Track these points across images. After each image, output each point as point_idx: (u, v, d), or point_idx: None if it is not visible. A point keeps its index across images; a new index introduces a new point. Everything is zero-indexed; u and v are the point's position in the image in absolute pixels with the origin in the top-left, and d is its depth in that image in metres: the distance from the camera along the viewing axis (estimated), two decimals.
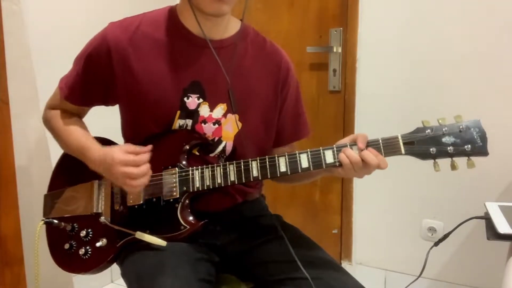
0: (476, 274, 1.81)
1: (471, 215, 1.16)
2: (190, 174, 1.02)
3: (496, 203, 1.17)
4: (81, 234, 1.08)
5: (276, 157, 0.97)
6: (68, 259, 1.09)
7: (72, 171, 1.10)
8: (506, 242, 1.04)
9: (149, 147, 1.00)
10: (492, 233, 1.03)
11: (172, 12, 1.08)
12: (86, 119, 1.20)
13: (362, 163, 0.92)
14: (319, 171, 0.99)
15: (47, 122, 1.18)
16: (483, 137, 0.90)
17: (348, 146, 0.94)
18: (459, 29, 1.74)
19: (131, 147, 1.00)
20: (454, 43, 1.76)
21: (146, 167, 0.98)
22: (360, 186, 2.04)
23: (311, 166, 0.95)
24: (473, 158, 0.90)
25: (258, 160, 0.99)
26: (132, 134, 1.11)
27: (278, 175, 0.97)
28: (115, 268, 1.09)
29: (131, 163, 0.97)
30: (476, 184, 1.76)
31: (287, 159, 0.97)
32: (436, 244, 1.22)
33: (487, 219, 1.09)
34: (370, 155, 0.91)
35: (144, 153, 0.99)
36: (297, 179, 1.16)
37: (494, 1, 1.67)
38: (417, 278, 1.27)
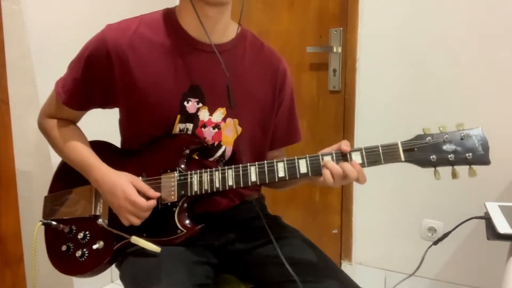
0: (476, 274, 1.81)
1: (471, 215, 1.16)
2: (189, 178, 1.02)
3: (496, 203, 1.17)
4: (79, 236, 1.08)
5: (275, 162, 0.97)
6: (65, 261, 1.09)
7: (73, 173, 1.10)
8: (506, 242, 1.04)
9: (157, 194, 1.01)
10: (492, 233, 1.02)
11: (170, 14, 1.07)
12: (81, 120, 1.19)
13: (343, 174, 0.91)
14: (301, 179, 0.99)
15: (44, 131, 1.16)
16: (485, 145, 0.88)
17: (334, 154, 0.93)
18: (459, 30, 1.74)
19: (142, 185, 1.01)
20: (454, 43, 1.75)
21: (149, 213, 1.00)
22: (360, 186, 2.02)
23: (310, 172, 0.94)
24: (474, 167, 0.88)
25: (256, 165, 0.98)
26: (131, 136, 1.10)
27: (277, 180, 0.96)
28: (115, 269, 1.09)
29: (137, 206, 0.98)
30: (476, 184, 1.75)
31: (285, 164, 0.96)
32: (435, 243, 1.22)
33: (487, 219, 1.09)
34: (351, 168, 0.91)
35: (153, 198, 1.00)
36: (281, 185, 1.16)
37: (494, 1, 1.67)
38: (410, 275, 1.28)
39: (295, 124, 1.23)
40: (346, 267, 2.09)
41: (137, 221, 1.00)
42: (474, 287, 1.82)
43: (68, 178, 1.14)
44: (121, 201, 0.99)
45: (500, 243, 1.05)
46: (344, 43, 1.97)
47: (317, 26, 2.05)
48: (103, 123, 1.25)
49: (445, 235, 1.18)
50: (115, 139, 1.16)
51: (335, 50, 1.99)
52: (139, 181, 1.02)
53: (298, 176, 0.95)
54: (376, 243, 2.04)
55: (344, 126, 2.03)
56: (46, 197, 1.18)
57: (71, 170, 1.10)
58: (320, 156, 0.94)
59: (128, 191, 0.98)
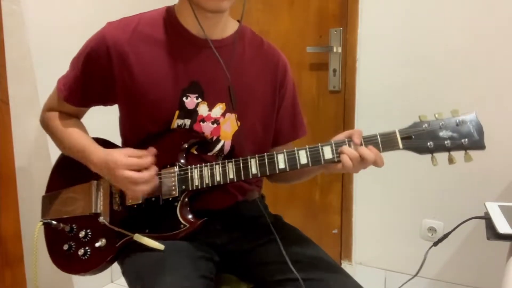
0: (476, 274, 1.81)
1: (471, 215, 1.16)
2: (189, 173, 1.02)
3: (496, 203, 1.17)
4: (80, 235, 1.08)
5: (275, 154, 0.98)
6: (67, 260, 1.09)
7: (70, 172, 1.10)
8: (506, 242, 1.04)
9: (152, 150, 1.00)
10: (492, 233, 1.02)
11: (170, 12, 1.08)
12: (83, 119, 1.19)
13: (360, 158, 0.93)
14: (316, 168, 1.00)
15: (45, 124, 1.17)
16: (480, 130, 0.90)
17: (346, 142, 0.95)
18: (459, 29, 1.74)
19: (133, 151, 1.00)
20: (454, 43, 1.75)
21: (148, 174, 0.98)
22: (360, 186, 2.04)
23: (310, 163, 0.95)
24: (470, 152, 0.91)
25: (257, 158, 0.99)
26: (130, 133, 1.11)
27: (277, 172, 0.97)
28: (115, 268, 1.09)
29: (134, 167, 0.97)
30: (476, 184, 1.75)
31: (285, 156, 0.97)
32: (436, 244, 1.21)
33: (487, 219, 1.09)
34: (368, 151, 0.93)
35: (146, 156, 0.99)
36: (295, 177, 1.17)
37: (493, 2, 1.67)
38: (413, 277, 1.27)
39: (299, 119, 1.23)
40: (346, 267, 2.09)
41: (139, 189, 0.97)
42: (474, 287, 1.82)
43: (65, 176, 1.15)
44: (117, 172, 0.97)
45: (500, 243, 1.05)
46: (344, 43, 1.97)
47: (317, 26, 2.05)
48: (104, 124, 1.25)
49: (445, 236, 1.18)
50: (116, 138, 1.16)
51: (335, 50, 1.99)
52: (130, 149, 1.01)
53: (298, 167, 0.96)
54: (376, 243, 2.04)
55: (344, 126, 2.03)
56: (44, 197, 1.18)
57: (68, 167, 1.10)
58: (320, 147, 0.95)
59: (119, 158, 0.97)
